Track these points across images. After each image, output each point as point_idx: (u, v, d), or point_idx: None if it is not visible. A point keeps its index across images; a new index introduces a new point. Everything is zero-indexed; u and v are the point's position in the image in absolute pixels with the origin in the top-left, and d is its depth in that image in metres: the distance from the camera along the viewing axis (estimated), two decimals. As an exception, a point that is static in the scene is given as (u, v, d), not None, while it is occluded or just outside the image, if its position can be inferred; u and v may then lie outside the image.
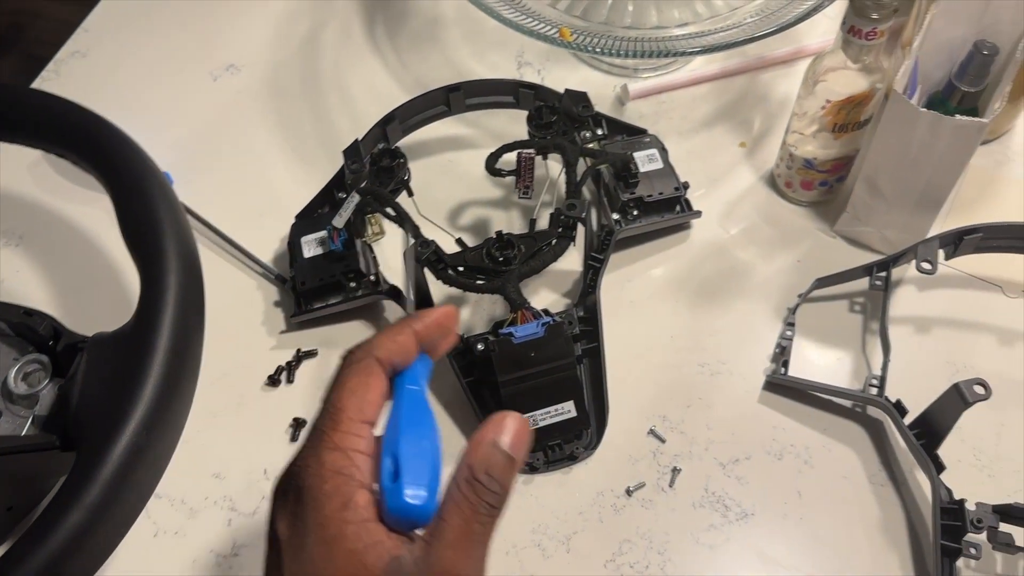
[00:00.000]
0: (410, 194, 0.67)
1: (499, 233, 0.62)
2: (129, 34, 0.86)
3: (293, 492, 0.35)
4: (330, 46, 0.85)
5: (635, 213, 0.68)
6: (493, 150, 0.65)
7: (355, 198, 0.63)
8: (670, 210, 0.69)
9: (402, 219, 0.63)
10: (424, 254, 0.60)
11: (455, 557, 0.34)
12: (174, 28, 0.87)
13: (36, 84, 0.82)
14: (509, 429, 0.36)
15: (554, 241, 0.62)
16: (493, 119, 0.78)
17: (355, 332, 0.67)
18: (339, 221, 0.63)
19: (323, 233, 0.66)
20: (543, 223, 0.64)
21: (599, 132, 0.71)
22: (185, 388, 0.52)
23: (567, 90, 0.70)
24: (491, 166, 0.65)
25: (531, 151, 0.65)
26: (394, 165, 0.66)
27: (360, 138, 0.68)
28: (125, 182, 0.56)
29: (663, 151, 0.70)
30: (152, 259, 0.53)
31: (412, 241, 0.62)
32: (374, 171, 0.67)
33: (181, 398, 0.51)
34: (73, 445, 0.50)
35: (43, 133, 0.58)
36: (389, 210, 0.63)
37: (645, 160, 0.69)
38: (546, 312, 0.60)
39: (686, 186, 0.69)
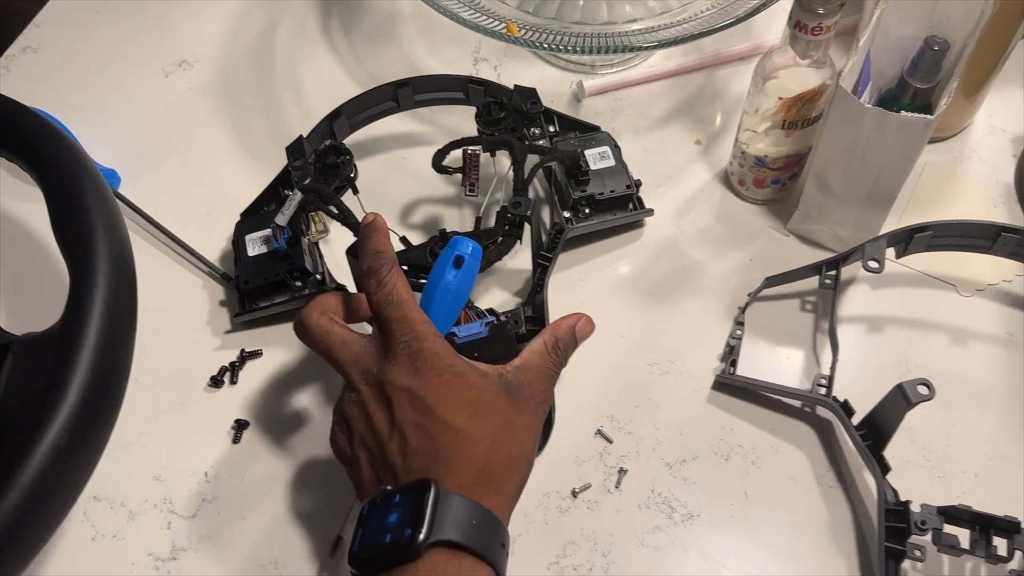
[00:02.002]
0: (355, 191, 0.66)
1: (443, 231, 0.61)
2: (81, 30, 0.85)
3: (403, 351, 0.49)
4: (284, 42, 0.84)
5: (587, 211, 0.67)
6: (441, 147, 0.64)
7: (297, 196, 0.63)
8: (623, 208, 0.68)
9: (344, 217, 0.62)
10: None
11: (535, 379, 0.52)
12: (127, 24, 0.85)
13: (-15, 80, 0.81)
14: (582, 322, 0.55)
15: (500, 239, 0.61)
16: (447, 116, 0.77)
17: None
18: (282, 219, 0.62)
19: (268, 231, 0.65)
20: (492, 221, 0.64)
21: (551, 129, 0.71)
22: (113, 389, 0.50)
23: (516, 86, 0.69)
24: (438, 163, 0.64)
25: (477, 148, 0.64)
26: (339, 162, 0.65)
27: (305, 135, 0.67)
28: (56, 177, 0.54)
29: (616, 148, 0.69)
30: (81, 257, 0.51)
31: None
32: (319, 168, 0.66)
33: (109, 399, 0.50)
34: (-3, 448, 0.49)
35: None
36: (332, 208, 0.62)
37: (597, 158, 0.68)
38: (491, 311, 0.59)
39: (638, 184, 0.68)
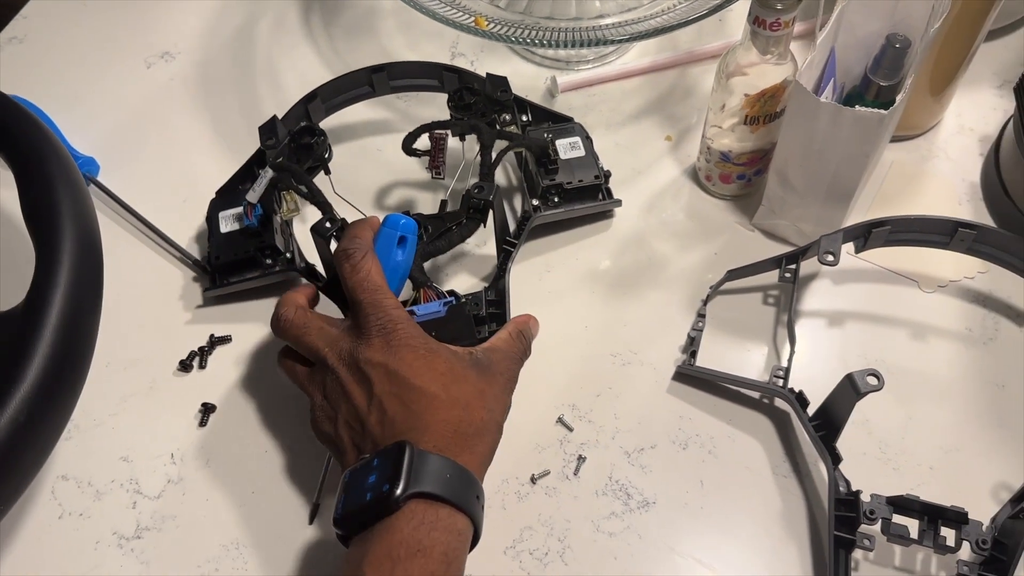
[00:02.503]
0: (327, 172, 0.67)
1: (406, 213, 0.62)
2: (67, 21, 0.86)
3: (377, 334, 0.52)
4: (265, 35, 0.85)
5: (555, 200, 0.68)
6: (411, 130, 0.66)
7: (268, 173, 0.64)
8: (591, 198, 0.69)
9: (314, 196, 0.63)
10: (329, 231, 0.60)
11: (503, 359, 0.55)
12: (111, 16, 0.87)
13: (-30, 70, 0.83)
14: (534, 320, 0.60)
15: (463, 221, 0.62)
16: (419, 106, 0.79)
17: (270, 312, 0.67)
18: (252, 196, 0.64)
19: (240, 209, 0.66)
20: (459, 206, 0.65)
21: (524, 119, 0.72)
22: (75, 368, 0.52)
23: (488, 74, 0.70)
24: (407, 146, 0.65)
25: (445, 132, 0.65)
26: (313, 143, 0.66)
27: (280, 116, 0.68)
28: (25, 158, 0.55)
29: (587, 140, 0.70)
30: (47, 238, 0.53)
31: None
32: (293, 148, 0.67)
33: (70, 377, 0.51)
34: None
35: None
36: (302, 187, 0.63)
37: (567, 147, 0.69)
38: (452, 293, 0.60)
39: (608, 175, 0.69)
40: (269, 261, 0.66)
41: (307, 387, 0.56)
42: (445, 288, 0.63)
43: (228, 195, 0.69)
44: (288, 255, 0.66)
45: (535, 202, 0.68)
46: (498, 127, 0.68)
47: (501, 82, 0.70)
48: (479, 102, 0.68)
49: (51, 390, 0.49)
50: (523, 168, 0.72)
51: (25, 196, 0.55)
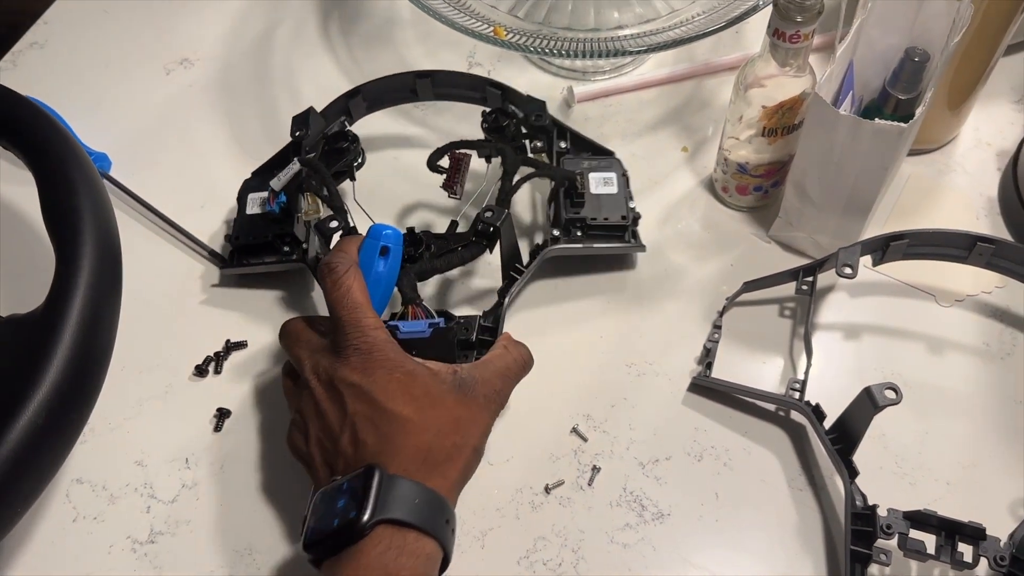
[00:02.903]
0: (352, 179, 0.67)
1: (411, 229, 0.62)
2: (87, 27, 0.87)
3: (353, 353, 0.51)
4: (283, 43, 0.85)
5: (576, 234, 0.66)
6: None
7: (295, 166, 0.64)
8: (615, 239, 0.66)
9: (332, 199, 0.63)
10: (332, 231, 0.59)
11: (491, 377, 0.54)
12: (131, 22, 0.87)
13: (-7, 74, 0.83)
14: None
15: (468, 243, 0.62)
16: (440, 119, 0.79)
17: (286, 315, 0.67)
18: (276, 184, 0.64)
19: (266, 193, 0.66)
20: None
21: (563, 145, 0.70)
22: (93, 371, 0.52)
23: (528, 96, 0.69)
24: (432, 163, 0.65)
25: (468, 152, 0.65)
26: (346, 147, 0.67)
27: (320, 109, 0.69)
28: (46, 163, 0.56)
29: (623, 176, 0.68)
30: (67, 242, 0.53)
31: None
32: (326, 150, 0.67)
33: (88, 381, 0.51)
34: (-23, 426, 0.50)
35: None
36: (323, 187, 0.63)
37: (600, 182, 0.67)
38: (444, 313, 0.60)
39: (636, 218, 0.67)
40: (287, 249, 0.66)
41: (289, 400, 0.56)
42: (445, 308, 0.62)
43: (261, 177, 0.70)
44: (305, 246, 0.66)
45: (555, 232, 0.66)
46: (529, 153, 0.67)
47: (538, 106, 0.68)
48: (512, 125, 0.67)
49: (70, 394, 0.49)
50: (552, 198, 0.68)
51: (45, 198, 0.55)
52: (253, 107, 0.81)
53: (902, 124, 0.56)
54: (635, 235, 0.67)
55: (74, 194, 0.55)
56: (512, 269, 0.65)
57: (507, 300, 0.63)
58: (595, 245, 0.66)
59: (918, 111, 0.58)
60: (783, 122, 0.63)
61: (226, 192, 0.72)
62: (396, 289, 0.59)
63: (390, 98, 0.74)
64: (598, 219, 0.66)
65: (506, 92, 0.70)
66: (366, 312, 0.53)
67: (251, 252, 0.67)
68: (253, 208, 0.68)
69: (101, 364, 0.53)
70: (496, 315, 0.62)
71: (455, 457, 0.51)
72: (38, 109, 0.60)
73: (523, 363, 0.57)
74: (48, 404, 0.48)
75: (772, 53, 0.60)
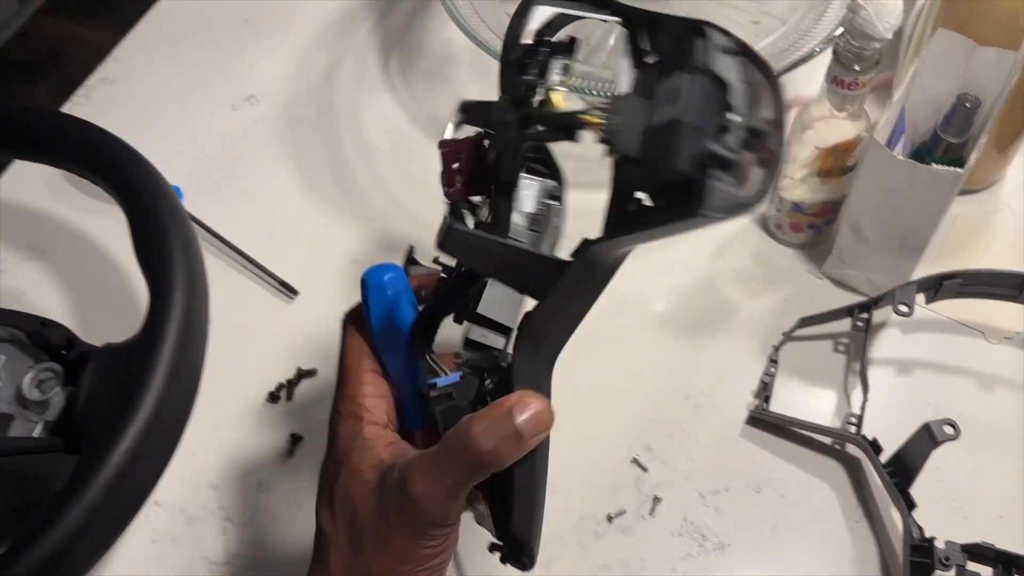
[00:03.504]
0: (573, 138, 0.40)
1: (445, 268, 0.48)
2: (157, 64, 0.91)
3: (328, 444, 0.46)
4: (345, 81, 0.89)
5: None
6: None
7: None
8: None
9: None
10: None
11: (421, 479, 0.39)
12: (199, 59, 0.91)
13: (66, 108, 0.87)
14: (530, 408, 0.39)
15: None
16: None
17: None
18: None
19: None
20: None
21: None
22: (185, 398, 0.54)
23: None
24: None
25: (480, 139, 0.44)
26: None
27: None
28: (138, 202, 0.59)
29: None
30: (160, 274, 0.56)
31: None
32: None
33: (180, 408, 0.54)
34: (76, 447, 0.53)
35: (64, 152, 0.62)
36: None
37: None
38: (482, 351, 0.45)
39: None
40: None
41: None
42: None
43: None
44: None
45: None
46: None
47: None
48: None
49: (167, 418, 0.52)
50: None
51: (137, 231, 0.58)
52: (317, 142, 0.84)
53: (958, 169, 0.58)
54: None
55: (165, 227, 0.58)
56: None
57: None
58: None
59: (972, 156, 0.60)
60: (838, 163, 0.66)
61: (292, 224, 0.75)
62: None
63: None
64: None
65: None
66: (346, 382, 0.47)
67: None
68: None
69: (193, 388, 0.56)
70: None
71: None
72: (125, 145, 0.63)
73: (493, 463, 0.39)
74: (148, 428, 0.50)
75: (829, 98, 0.63)
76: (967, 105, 0.64)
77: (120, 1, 2.30)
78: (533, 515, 0.41)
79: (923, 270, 0.68)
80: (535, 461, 0.40)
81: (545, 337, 0.42)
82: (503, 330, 0.44)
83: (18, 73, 2.15)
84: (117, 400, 0.52)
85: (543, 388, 0.42)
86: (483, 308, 0.44)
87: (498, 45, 0.70)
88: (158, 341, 0.53)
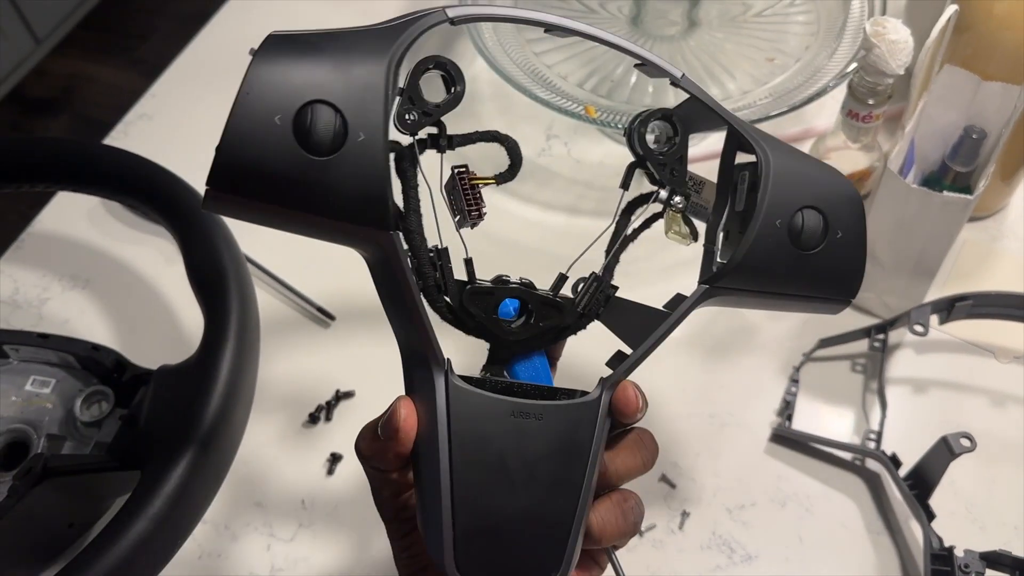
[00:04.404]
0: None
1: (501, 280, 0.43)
2: (192, 100, 0.94)
3: None
4: (375, 115, 0.92)
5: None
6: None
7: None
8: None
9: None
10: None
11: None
12: (233, 95, 0.94)
13: (106, 142, 0.90)
14: (388, 411, 0.40)
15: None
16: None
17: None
18: None
19: None
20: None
21: None
22: (240, 416, 0.57)
23: None
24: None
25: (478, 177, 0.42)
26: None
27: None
28: (192, 230, 0.62)
29: None
30: (216, 300, 0.59)
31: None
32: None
33: (236, 424, 0.57)
34: (138, 464, 0.55)
35: (121, 186, 0.65)
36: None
37: None
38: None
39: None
40: None
41: None
42: None
43: None
44: None
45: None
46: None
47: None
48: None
49: (224, 435, 0.55)
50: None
51: (191, 259, 0.61)
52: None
53: (968, 196, 0.61)
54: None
55: (218, 255, 0.61)
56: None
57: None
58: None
59: (980, 184, 0.63)
60: (852, 192, 0.69)
61: (327, 252, 0.77)
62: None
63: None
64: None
65: None
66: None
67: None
68: None
69: (246, 408, 0.58)
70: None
71: None
72: (176, 177, 0.66)
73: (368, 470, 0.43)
74: (206, 443, 0.53)
75: (844, 130, 0.66)
76: (974, 136, 0.68)
77: (132, 39, 2.37)
78: (440, 528, 0.38)
79: (934, 293, 0.71)
80: (422, 470, 0.40)
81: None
82: None
83: (34, 111, 2.19)
84: (178, 416, 0.55)
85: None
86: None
87: (523, 80, 0.74)
88: (216, 362, 0.56)
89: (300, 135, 0.36)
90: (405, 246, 0.40)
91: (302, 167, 0.36)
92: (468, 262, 0.42)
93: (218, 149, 0.36)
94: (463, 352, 0.44)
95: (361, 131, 0.36)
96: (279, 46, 0.37)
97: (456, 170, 0.42)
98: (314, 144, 0.36)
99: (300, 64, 0.36)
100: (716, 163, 0.47)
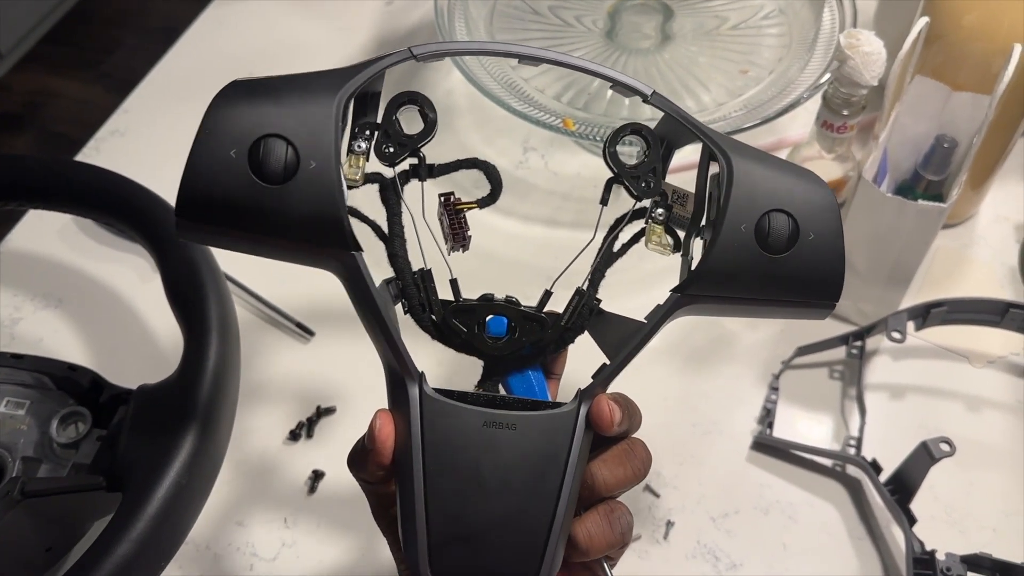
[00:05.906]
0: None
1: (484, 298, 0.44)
2: (164, 115, 0.93)
3: None
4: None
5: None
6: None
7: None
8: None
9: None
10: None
11: None
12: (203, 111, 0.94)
13: (78, 159, 0.89)
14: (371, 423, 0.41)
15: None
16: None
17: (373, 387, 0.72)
18: None
19: None
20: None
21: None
22: (222, 435, 0.56)
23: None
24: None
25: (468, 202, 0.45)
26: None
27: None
28: (170, 248, 0.61)
29: None
30: (196, 318, 0.58)
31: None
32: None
33: (218, 444, 0.56)
34: (118, 486, 0.54)
35: (97, 204, 0.65)
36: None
37: None
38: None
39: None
40: None
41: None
42: None
43: None
44: None
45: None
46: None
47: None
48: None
49: (207, 453, 0.54)
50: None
51: (170, 278, 0.61)
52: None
53: (942, 204, 0.62)
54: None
55: (198, 273, 0.60)
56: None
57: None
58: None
59: (953, 192, 0.64)
60: (828, 201, 0.70)
61: (305, 269, 0.77)
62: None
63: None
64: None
65: None
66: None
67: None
68: None
69: (228, 426, 0.58)
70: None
71: None
72: (154, 195, 0.66)
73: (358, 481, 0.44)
74: (188, 464, 0.52)
75: (819, 141, 0.67)
76: (945, 145, 0.69)
77: (98, 54, 2.34)
78: (415, 534, 0.40)
79: (909, 300, 0.72)
80: (401, 479, 0.41)
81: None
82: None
83: (-2, 126, 2.16)
84: (159, 436, 0.54)
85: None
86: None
87: (501, 94, 0.74)
88: (197, 380, 0.55)
89: (255, 166, 0.39)
90: (370, 265, 0.42)
91: (257, 195, 0.39)
92: (453, 283, 0.44)
93: (180, 183, 0.40)
94: (468, 371, 0.45)
95: (312, 160, 0.39)
96: (237, 90, 0.41)
97: (442, 197, 0.45)
98: (268, 174, 0.39)
99: (254, 104, 0.40)
100: (694, 174, 0.48)
